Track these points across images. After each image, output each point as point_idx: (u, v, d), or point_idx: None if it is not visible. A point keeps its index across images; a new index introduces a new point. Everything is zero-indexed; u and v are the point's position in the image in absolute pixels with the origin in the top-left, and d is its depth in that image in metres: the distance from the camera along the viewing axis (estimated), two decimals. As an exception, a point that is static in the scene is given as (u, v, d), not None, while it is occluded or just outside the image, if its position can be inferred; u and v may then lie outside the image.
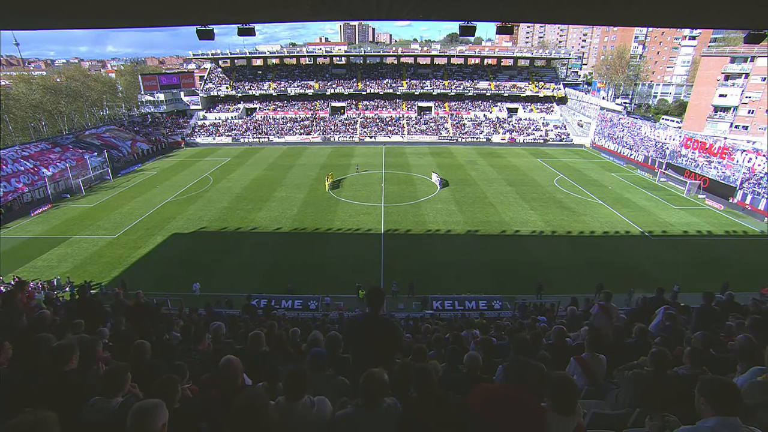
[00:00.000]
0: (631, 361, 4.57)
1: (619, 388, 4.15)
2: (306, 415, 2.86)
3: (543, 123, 60.32)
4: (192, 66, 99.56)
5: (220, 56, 66.08)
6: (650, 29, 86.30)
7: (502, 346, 6.32)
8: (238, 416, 2.03)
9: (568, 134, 57.60)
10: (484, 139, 57.00)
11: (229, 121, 61.07)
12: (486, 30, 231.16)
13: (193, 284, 20.19)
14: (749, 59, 51.93)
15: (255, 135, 57.90)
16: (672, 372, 3.81)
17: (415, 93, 63.70)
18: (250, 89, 64.05)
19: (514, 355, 2.95)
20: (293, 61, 71.73)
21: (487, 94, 63.92)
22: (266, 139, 57.25)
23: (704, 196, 34.14)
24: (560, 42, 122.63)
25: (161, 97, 61.28)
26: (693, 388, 2.57)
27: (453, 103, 63.77)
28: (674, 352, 4.42)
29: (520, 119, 61.41)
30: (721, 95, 55.13)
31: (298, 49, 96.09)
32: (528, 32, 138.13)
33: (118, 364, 3.18)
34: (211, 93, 64.01)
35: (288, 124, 60.27)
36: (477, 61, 69.61)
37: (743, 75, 53.07)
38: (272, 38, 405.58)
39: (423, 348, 4.22)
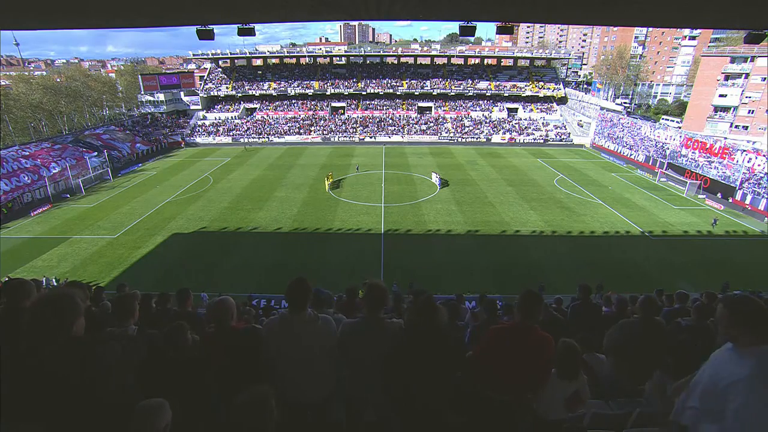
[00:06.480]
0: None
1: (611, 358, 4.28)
2: (310, 326, 2.89)
3: (543, 123, 60.30)
4: (192, 66, 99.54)
5: (220, 56, 66.01)
6: (650, 29, 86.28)
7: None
8: (243, 411, 2.00)
9: (568, 134, 57.60)
10: (484, 139, 57.00)
11: (229, 121, 61.07)
12: (486, 30, 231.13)
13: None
14: (749, 59, 51.94)
15: (254, 135, 57.88)
16: (675, 322, 3.99)
17: (415, 93, 63.68)
18: (250, 89, 63.99)
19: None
20: (293, 61, 71.65)
21: (487, 94, 63.91)
22: (266, 139, 57.26)
23: (704, 196, 34.18)
24: (560, 42, 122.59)
25: (161, 97, 61.21)
26: (696, 338, 2.72)
27: (453, 103, 63.74)
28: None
29: (520, 119, 61.39)
30: (721, 95, 55.13)
31: (298, 49, 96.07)
32: (528, 32, 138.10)
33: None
34: (211, 93, 63.97)
35: (288, 124, 60.26)
36: (477, 61, 69.60)
37: (743, 75, 53.08)
38: (272, 38, 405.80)
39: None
